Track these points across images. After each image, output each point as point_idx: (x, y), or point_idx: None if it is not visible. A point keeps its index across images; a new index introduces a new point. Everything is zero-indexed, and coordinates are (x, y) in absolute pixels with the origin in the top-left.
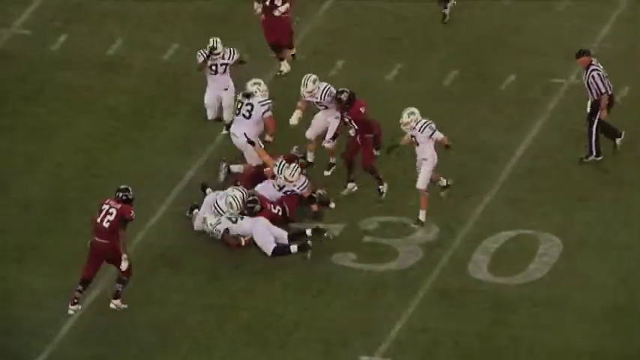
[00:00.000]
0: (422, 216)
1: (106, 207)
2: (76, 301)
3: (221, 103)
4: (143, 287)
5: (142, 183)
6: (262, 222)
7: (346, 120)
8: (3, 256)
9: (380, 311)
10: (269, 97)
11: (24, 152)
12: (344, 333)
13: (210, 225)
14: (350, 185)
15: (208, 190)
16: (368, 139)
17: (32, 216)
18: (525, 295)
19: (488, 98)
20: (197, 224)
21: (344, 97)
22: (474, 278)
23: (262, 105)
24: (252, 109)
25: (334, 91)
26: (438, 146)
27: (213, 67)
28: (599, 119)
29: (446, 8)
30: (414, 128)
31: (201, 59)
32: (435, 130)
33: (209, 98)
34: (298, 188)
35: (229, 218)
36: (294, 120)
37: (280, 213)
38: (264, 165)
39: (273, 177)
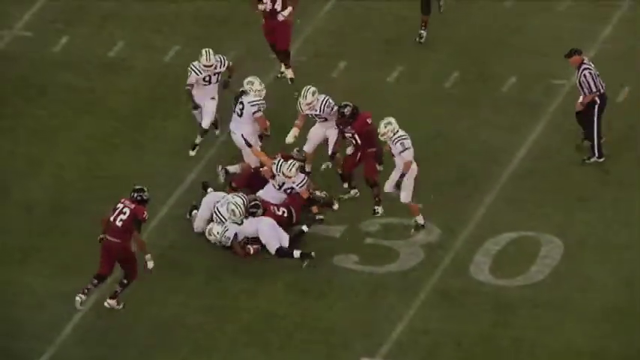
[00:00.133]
0: (420, 220)
1: (120, 206)
2: (86, 291)
3: (201, 110)
4: (143, 288)
5: (142, 184)
6: (267, 221)
7: (347, 135)
8: (5, 258)
9: (381, 313)
10: (263, 97)
11: (25, 154)
12: (345, 334)
13: (218, 234)
14: (353, 192)
15: (210, 189)
16: (370, 154)
17: (34, 218)
18: (526, 296)
19: (489, 99)
20: (197, 225)
21: (347, 111)
22: (475, 280)
23: (252, 105)
24: (243, 107)
25: (333, 103)
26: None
27: (207, 79)
28: (598, 119)
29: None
30: (390, 139)
31: (194, 78)
32: (405, 149)
33: (196, 104)
34: (297, 185)
35: (235, 222)
36: (289, 138)
37: (286, 215)
38: (262, 165)
39: (273, 177)
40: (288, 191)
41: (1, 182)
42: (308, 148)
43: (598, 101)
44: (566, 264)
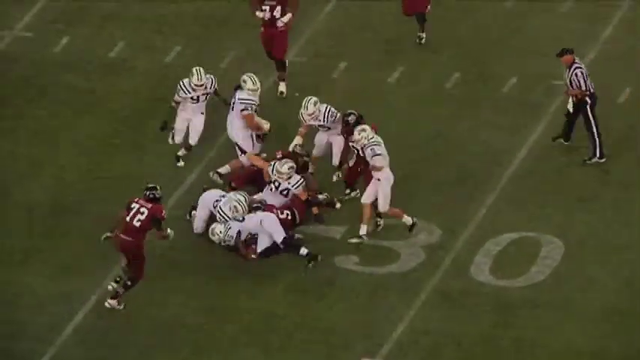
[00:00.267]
0: (408, 220)
1: (136, 206)
2: (118, 279)
3: (188, 127)
4: (144, 289)
5: (144, 185)
6: (269, 215)
7: (350, 144)
8: (6, 259)
9: (382, 313)
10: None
11: (26, 155)
12: (346, 335)
13: (220, 232)
14: (353, 193)
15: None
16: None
17: (35, 218)
18: (527, 296)
19: (490, 100)
20: (196, 226)
21: (351, 119)
22: (475, 280)
23: (240, 102)
24: (234, 102)
25: (335, 112)
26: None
27: (195, 98)
28: (594, 118)
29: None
30: (364, 145)
31: (182, 97)
32: (376, 154)
33: (181, 123)
34: (293, 186)
35: (237, 219)
36: (292, 146)
37: (289, 217)
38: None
39: (270, 181)
40: (285, 192)
41: (1, 183)
42: (317, 152)
43: (589, 101)
44: (566, 264)
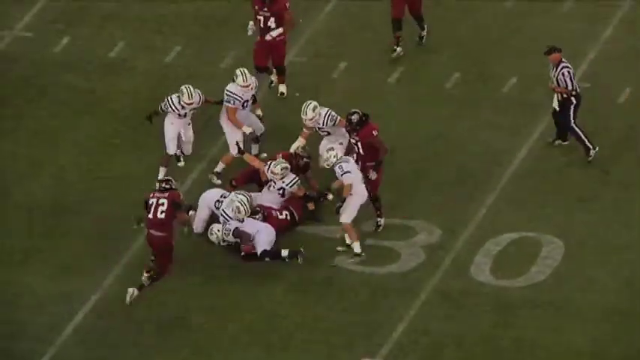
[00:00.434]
0: (356, 248)
1: (153, 200)
2: (149, 270)
3: (180, 138)
4: (144, 289)
5: (144, 185)
6: (270, 230)
7: (353, 141)
8: (6, 259)
9: (382, 313)
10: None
11: (27, 155)
12: (346, 335)
13: (219, 231)
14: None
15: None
16: (370, 167)
17: (35, 218)
18: (527, 297)
19: (490, 100)
20: (196, 226)
21: (354, 118)
22: (475, 280)
23: (226, 94)
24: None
25: (336, 116)
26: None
27: (183, 114)
28: (573, 117)
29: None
30: (333, 164)
31: (169, 111)
32: (344, 172)
33: (173, 131)
34: (287, 185)
35: (238, 219)
36: (293, 148)
37: (288, 217)
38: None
39: (266, 182)
40: (280, 192)
41: (1, 183)
42: (323, 163)
43: (574, 101)
44: (566, 264)
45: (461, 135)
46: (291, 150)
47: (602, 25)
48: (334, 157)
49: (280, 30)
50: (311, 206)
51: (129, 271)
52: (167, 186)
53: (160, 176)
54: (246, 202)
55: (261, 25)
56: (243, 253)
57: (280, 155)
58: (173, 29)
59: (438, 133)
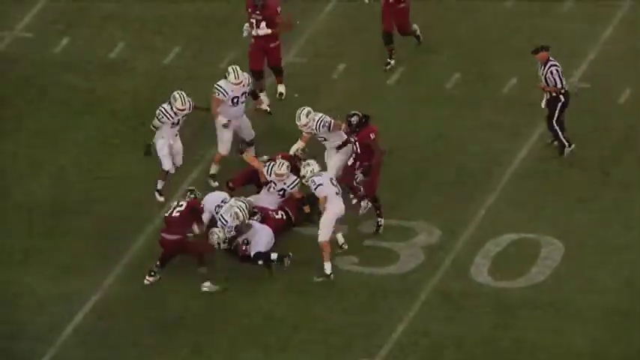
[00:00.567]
0: (327, 268)
1: (174, 204)
2: (152, 273)
3: (171, 150)
4: (144, 290)
5: (143, 186)
6: (267, 232)
7: (351, 140)
8: (6, 259)
9: (381, 314)
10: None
11: (27, 155)
12: (345, 336)
13: (220, 232)
14: (363, 204)
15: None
16: (367, 167)
17: (35, 219)
18: (527, 297)
19: (491, 101)
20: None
21: (354, 119)
22: (475, 281)
23: (215, 87)
24: None
25: (329, 121)
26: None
27: (176, 122)
28: (557, 115)
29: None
30: (308, 179)
31: (163, 122)
32: (317, 186)
33: (165, 148)
34: (288, 186)
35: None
36: (292, 151)
37: (284, 217)
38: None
39: (267, 183)
40: (281, 192)
41: (1, 183)
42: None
43: (562, 99)
44: (566, 265)
45: (461, 135)
46: (291, 152)
47: (602, 25)
48: (310, 172)
49: (268, 31)
50: (307, 209)
51: (129, 271)
52: (192, 195)
53: (159, 187)
54: (244, 209)
55: (254, 28)
56: (240, 255)
57: (280, 156)
58: (173, 30)
59: (438, 133)
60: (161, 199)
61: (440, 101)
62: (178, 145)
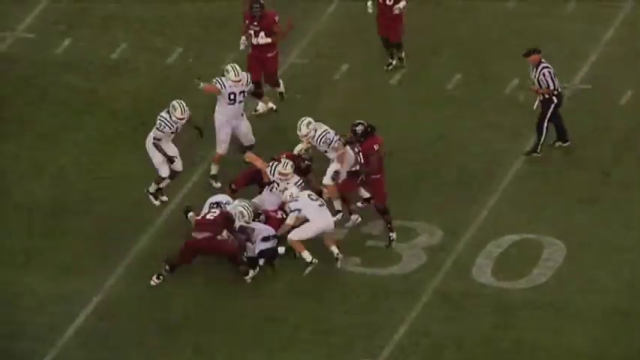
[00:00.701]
0: (307, 257)
1: (205, 212)
2: (160, 277)
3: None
4: (146, 291)
5: (144, 186)
6: (270, 230)
7: (355, 150)
8: (7, 259)
9: (383, 315)
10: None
11: (27, 155)
12: (347, 336)
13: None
14: (353, 217)
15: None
16: (374, 180)
17: (35, 219)
18: (528, 298)
19: (492, 101)
20: None
21: (359, 129)
22: (477, 282)
23: (215, 79)
24: None
25: (331, 138)
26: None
27: (174, 130)
28: (549, 118)
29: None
30: (287, 202)
31: (167, 130)
32: (290, 211)
33: (160, 155)
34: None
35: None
36: (296, 150)
37: (284, 216)
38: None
39: (269, 183)
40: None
41: (2, 183)
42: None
43: (555, 100)
44: (568, 266)
45: (462, 136)
46: (295, 152)
47: (603, 26)
48: (289, 196)
49: (268, 40)
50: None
51: (130, 271)
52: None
53: (152, 190)
54: (249, 207)
55: (252, 39)
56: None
57: (284, 156)
58: (174, 30)
59: (439, 134)
60: (156, 202)
61: (441, 102)
62: (173, 149)
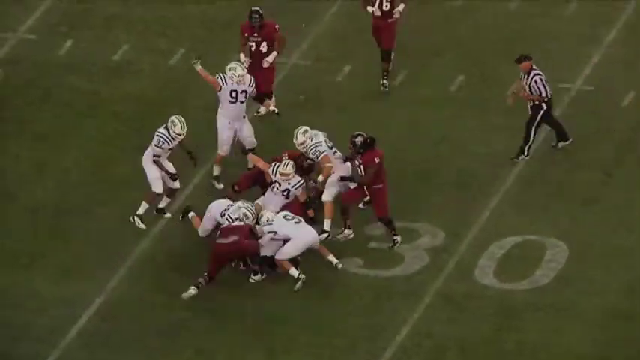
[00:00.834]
0: (293, 273)
1: (226, 222)
2: (198, 286)
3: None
4: (148, 292)
5: (147, 188)
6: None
7: (356, 164)
8: (10, 261)
9: (385, 316)
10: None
11: (31, 157)
12: (349, 338)
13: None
14: (347, 232)
15: (191, 214)
16: (377, 191)
17: (39, 221)
18: (531, 300)
19: (494, 103)
20: (202, 228)
21: (359, 140)
22: (480, 283)
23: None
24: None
25: (321, 151)
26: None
27: (173, 146)
28: (538, 122)
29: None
30: (265, 232)
31: (165, 146)
32: (264, 227)
33: (157, 171)
34: (293, 187)
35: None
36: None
37: None
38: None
39: (271, 183)
40: (285, 193)
41: (6, 185)
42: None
43: (545, 107)
44: (570, 268)
45: (465, 137)
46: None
47: (605, 28)
48: (265, 221)
49: (275, 54)
50: (310, 213)
51: (132, 273)
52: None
53: (141, 212)
54: (252, 209)
55: (253, 51)
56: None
57: (286, 155)
58: (177, 32)
59: (441, 135)
60: (142, 226)
61: (444, 104)
62: (169, 166)
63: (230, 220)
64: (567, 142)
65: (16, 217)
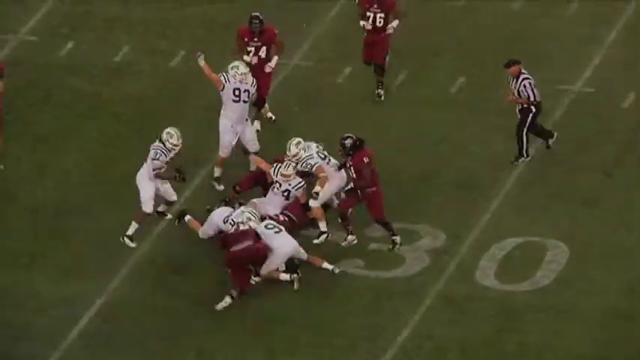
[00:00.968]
0: (284, 277)
1: (233, 229)
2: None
3: (158, 191)
4: (149, 294)
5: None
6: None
7: (347, 164)
8: (11, 261)
9: (386, 317)
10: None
11: (31, 159)
12: (350, 339)
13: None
14: (350, 238)
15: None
16: (371, 194)
17: (40, 222)
18: (531, 301)
19: (495, 103)
20: (203, 232)
21: (348, 142)
22: (480, 285)
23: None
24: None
25: (312, 164)
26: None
27: (169, 159)
28: (528, 126)
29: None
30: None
31: (162, 158)
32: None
33: (152, 190)
34: (293, 187)
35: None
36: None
37: (287, 219)
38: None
39: (272, 183)
40: (285, 194)
41: (6, 186)
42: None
43: (534, 110)
44: (571, 269)
45: (465, 139)
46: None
47: (606, 29)
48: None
49: (276, 58)
50: (311, 214)
51: (133, 274)
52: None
53: (130, 232)
54: (255, 213)
55: (254, 62)
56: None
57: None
58: (178, 33)
59: (441, 136)
60: (132, 245)
61: (444, 105)
62: (166, 186)
63: (234, 223)
64: (553, 139)
65: (16, 218)
